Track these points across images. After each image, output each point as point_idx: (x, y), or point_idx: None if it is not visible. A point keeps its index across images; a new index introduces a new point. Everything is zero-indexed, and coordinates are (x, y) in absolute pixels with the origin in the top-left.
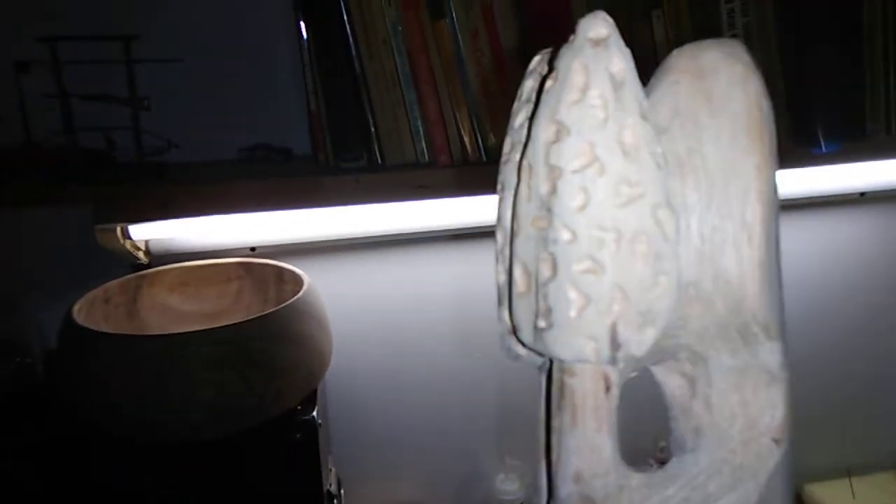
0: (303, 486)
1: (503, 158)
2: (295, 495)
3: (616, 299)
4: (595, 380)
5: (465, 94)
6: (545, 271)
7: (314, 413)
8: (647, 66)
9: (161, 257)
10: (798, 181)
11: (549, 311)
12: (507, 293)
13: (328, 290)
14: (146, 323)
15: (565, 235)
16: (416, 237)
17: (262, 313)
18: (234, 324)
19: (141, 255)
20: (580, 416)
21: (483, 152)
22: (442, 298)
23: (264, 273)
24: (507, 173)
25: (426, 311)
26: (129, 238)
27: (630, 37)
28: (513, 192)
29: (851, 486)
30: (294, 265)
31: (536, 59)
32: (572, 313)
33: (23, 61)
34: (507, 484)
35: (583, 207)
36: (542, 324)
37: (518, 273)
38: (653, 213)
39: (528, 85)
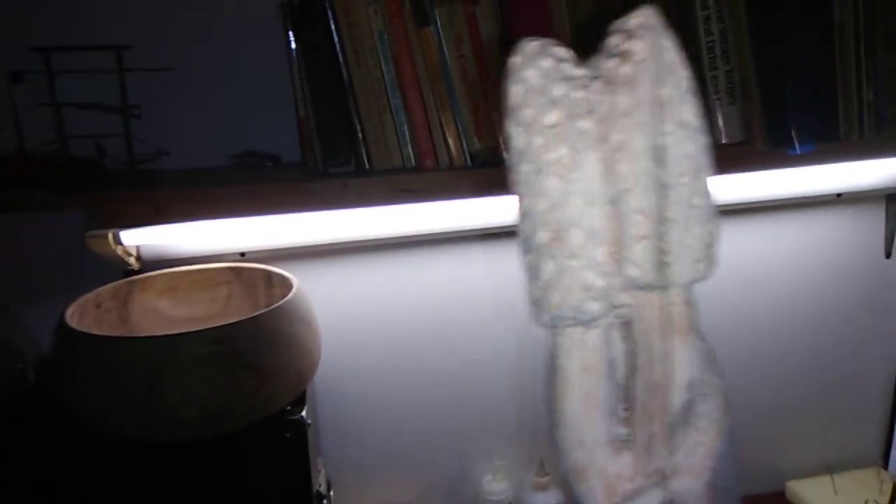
0: (292, 486)
1: (555, 129)
2: (285, 495)
3: (709, 223)
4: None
5: (450, 100)
6: (667, 212)
7: (303, 413)
8: None
9: (152, 263)
10: (775, 182)
11: (671, 245)
12: (590, 250)
13: (318, 293)
14: (137, 327)
15: (684, 179)
16: (404, 241)
17: (250, 315)
18: (224, 325)
19: (132, 260)
20: (689, 333)
21: (468, 156)
22: (431, 300)
23: (254, 277)
24: (575, 140)
25: (415, 313)
26: (121, 244)
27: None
28: (601, 153)
29: (833, 482)
30: (284, 269)
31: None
32: (692, 242)
33: (17, 71)
34: (495, 484)
35: (692, 156)
36: (666, 259)
37: (638, 220)
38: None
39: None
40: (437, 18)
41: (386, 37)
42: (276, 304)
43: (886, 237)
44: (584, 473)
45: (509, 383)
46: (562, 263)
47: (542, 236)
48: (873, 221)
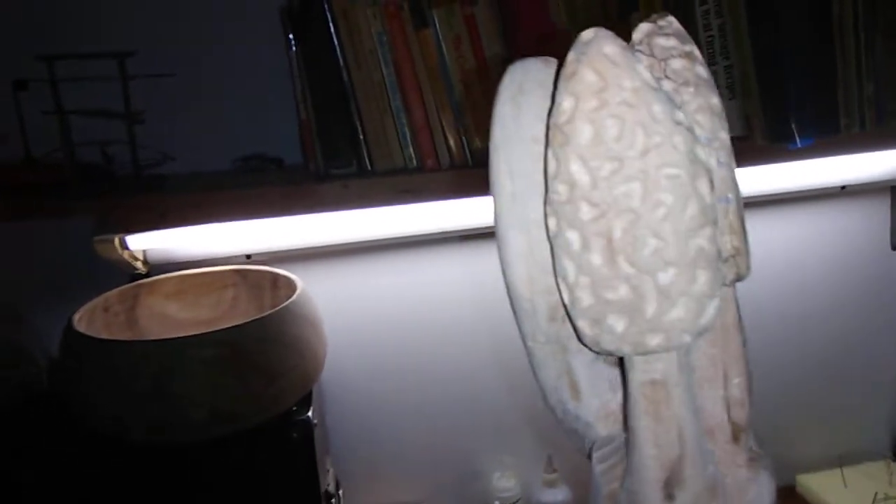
0: (300, 486)
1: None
2: (293, 494)
3: None
4: None
5: (451, 100)
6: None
7: (309, 413)
8: None
9: (159, 266)
10: (780, 176)
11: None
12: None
13: (324, 294)
14: (145, 331)
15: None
16: (409, 241)
17: (257, 317)
18: (230, 327)
19: (139, 264)
20: None
21: (469, 156)
22: (435, 299)
23: (259, 279)
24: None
25: (422, 312)
26: (127, 248)
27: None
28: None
29: (843, 475)
30: (289, 271)
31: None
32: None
33: (21, 79)
34: (504, 482)
35: None
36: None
37: (730, 235)
38: None
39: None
40: (436, 20)
41: (385, 39)
42: (281, 306)
43: (892, 228)
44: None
45: (517, 381)
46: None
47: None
48: (879, 213)
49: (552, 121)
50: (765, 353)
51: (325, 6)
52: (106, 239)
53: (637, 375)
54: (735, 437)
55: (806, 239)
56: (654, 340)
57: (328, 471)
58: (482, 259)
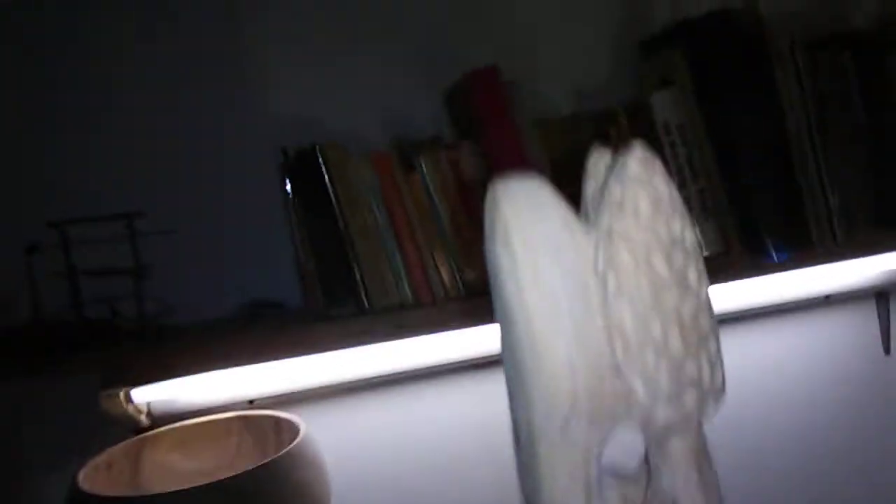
0: None
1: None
2: None
3: None
4: None
5: (441, 238)
6: None
7: None
8: None
9: (162, 418)
10: (762, 291)
11: None
12: None
13: (327, 434)
14: (149, 484)
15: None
16: (406, 376)
17: (258, 464)
18: (230, 477)
19: (143, 417)
20: None
21: (461, 287)
22: (438, 434)
23: (262, 424)
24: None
25: (423, 448)
26: (132, 402)
27: (584, 167)
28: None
29: None
30: (293, 413)
31: None
32: None
33: (32, 245)
34: None
35: None
36: None
37: None
38: None
39: None
40: (423, 164)
41: (376, 186)
42: (281, 452)
43: (882, 333)
44: None
45: None
46: None
47: None
48: (867, 319)
49: (615, 223)
50: (760, 466)
51: (320, 157)
52: (112, 393)
53: (682, 445)
54: None
55: (792, 352)
56: (711, 405)
57: None
58: (484, 390)
